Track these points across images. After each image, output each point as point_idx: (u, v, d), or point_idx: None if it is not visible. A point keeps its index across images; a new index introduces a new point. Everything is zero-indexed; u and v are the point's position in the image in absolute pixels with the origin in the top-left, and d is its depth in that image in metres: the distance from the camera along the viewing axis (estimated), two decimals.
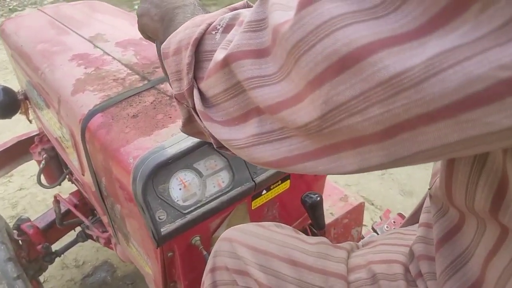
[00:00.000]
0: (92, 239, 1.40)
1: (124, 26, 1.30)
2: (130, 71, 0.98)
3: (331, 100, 0.23)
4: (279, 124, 0.28)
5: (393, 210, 1.19)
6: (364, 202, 1.20)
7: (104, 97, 0.88)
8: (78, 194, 1.44)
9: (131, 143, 0.74)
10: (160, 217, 0.68)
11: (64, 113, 0.94)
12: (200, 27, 0.34)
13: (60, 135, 1.07)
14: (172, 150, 0.69)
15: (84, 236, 1.40)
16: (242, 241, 0.59)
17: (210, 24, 0.34)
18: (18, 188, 2.13)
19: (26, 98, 1.38)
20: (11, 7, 5.94)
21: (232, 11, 0.36)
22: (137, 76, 0.95)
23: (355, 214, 1.17)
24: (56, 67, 1.04)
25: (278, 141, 0.28)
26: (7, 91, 1.34)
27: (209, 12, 0.47)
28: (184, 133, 0.43)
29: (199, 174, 0.73)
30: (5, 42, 1.39)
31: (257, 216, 0.86)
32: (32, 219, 1.39)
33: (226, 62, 0.29)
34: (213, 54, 0.32)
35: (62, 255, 1.42)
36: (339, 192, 1.20)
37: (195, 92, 0.34)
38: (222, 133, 0.33)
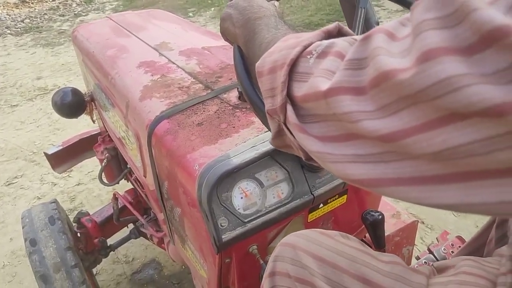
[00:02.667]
0: (145, 237, 1.46)
1: (186, 35, 1.36)
2: (194, 80, 1.02)
3: (449, 142, 0.24)
4: (382, 149, 0.29)
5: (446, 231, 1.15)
6: (417, 221, 1.17)
7: (170, 104, 0.92)
8: (132, 192, 1.50)
9: (196, 150, 0.77)
10: (222, 224, 0.70)
11: (132, 118, 1.00)
12: (295, 49, 0.36)
13: (124, 136, 1.13)
14: (236, 160, 0.71)
15: (136, 233, 1.46)
16: (307, 249, 0.59)
17: (305, 47, 0.36)
18: (76, 183, 2.28)
19: (92, 99, 1.47)
20: (76, 12, 6.40)
21: (326, 33, 0.39)
22: (200, 85, 0.99)
23: (407, 232, 1.14)
24: (125, 74, 1.10)
25: (375, 163, 0.30)
26: (75, 92, 1.44)
27: (289, 25, 0.49)
28: (273, 145, 0.45)
29: (260, 184, 0.75)
30: (77, 47, 1.49)
31: (312, 228, 0.86)
32: (90, 213, 1.48)
33: (326, 94, 0.31)
34: (307, 76, 0.35)
35: (115, 250, 1.49)
36: (391, 209, 1.18)
37: (289, 107, 0.36)
38: (315, 145, 0.34)
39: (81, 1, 6.84)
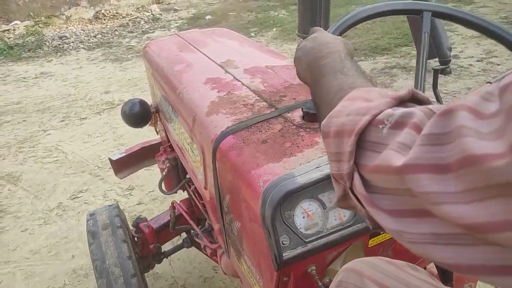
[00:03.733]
0: (197, 247, 1.50)
1: (251, 54, 1.40)
2: (258, 98, 1.05)
3: None
4: (464, 231, 0.27)
5: None
6: None
7: (235, 121, 0.95)
8: (187, 202, 1.56)
9: (261, 167, 0.79)
10: (283, 242, 0.71)
11: (198, 131, 1.04)
12: (365, 117, 0.35)
13: (188, 148, 1.19)
14: (301, 180, 0.72)
15: (189, 243, 1.51)
16: (373, 277, 0.58)
17: (375, 116, 0.35)
18: (138, 202, 2.37)
19: (157, 111, 1.56)
20: (143, 29, 6.80)
21: (397, 100, 0.37)
22: (264, 103, 1.01)
23: None
24: (193, 89, 1.16)
25: (460, 245, 0.27)
26: (142, 104, 1.53)
27: (356, 66, 0.49)
28: (338, 206, 0.44)
29: (323, 205, 0.75)
30: (147, 62, 1.59)
31: (372, 254, 0.84)
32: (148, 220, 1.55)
33: (401, 171, 0.30)
34: (379, 146, 0.33)
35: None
36: None
37: (356, 176, 0.35)
38: (389, 222, 0.32)
39: (148, 19, 7.21)
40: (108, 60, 5.25)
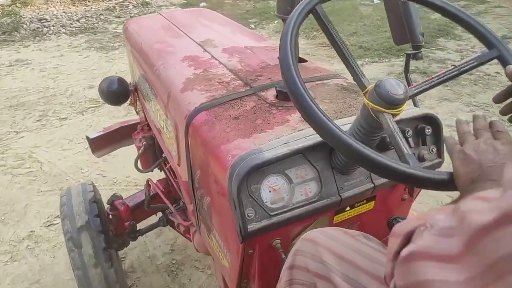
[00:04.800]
0: (172, 225, 1.51)
1: (231, 34, 1.40)
2: (234, 76, 1.05)
3: None
4: None
5: None
6: None
7: (210, 97, 0.96)
8: (165, 182, 1.56)
9: (231, 142, 0.80)
10: (248, 214, 0.73)
11: (172, 107, 1.04)
12: (418, 222, 0.36)
13: (163, 125, 1.18)
14: (268, 154, 0.73)
15: (165, 221, 1.51)
16: (328, 246, 0.60)
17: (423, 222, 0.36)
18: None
19: (136, 89, 1.55)
20: (132, 14, 6.43)
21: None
22: (240, 82, 1.02)
23: None
24: (170, 66, 1.16)
25: None
26: (121, 81, 1.52)
27: None
28: None
29: (289, 180, 0.76)
30: (126, 39, 1.57)
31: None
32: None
33: (410, 258, 0.31)
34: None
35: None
36: None
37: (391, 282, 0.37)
38: None
39: (137, 3, 6.78)
40: (93, 48, 4.77)
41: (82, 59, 4.44)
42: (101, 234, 1.33)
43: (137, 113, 1.71)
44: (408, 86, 0.65)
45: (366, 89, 0.66)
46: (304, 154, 0.76)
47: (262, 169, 0.73)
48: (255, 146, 0.76)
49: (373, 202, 0.86)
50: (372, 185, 0.80)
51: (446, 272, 0.27)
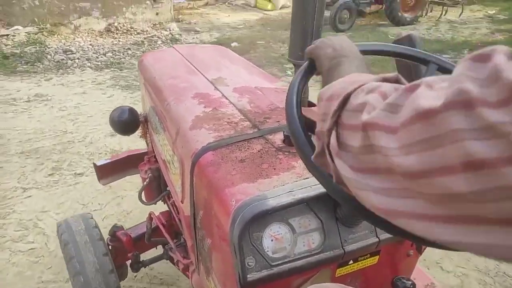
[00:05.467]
0: (171, 261, 1.48)
1: (243, 74, 1.42)
2: (243, 117, 1.06)
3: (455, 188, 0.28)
4: (401, 186, 0.33)
5: None
6: None
7: (217, 137, 0.96)
8: (167, 215, 1.54)
9: (235, 186, 0.79)
10: (249, 263, 0.71)
11: (180, 144, 1.04)
12: (353, 86, 0.42)
13: (170, 160, 1.19)
14: (273, 202, 0.72)
15: (168, 255, 1.49)
16: None
17: (361, 85, 0.42)
18: None
19: (146, 121, 1.56)
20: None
21: (384, 80, 0.43)
22: (248, 123, 1.02)
23: None
24: (181, 102, 1.17)
25: (394, 197, 0.34)
26: (132, 111, 1.54)
27: (371, 71, 0.55)
28: (314, 163, 0.49)
29: (292, 230, 0.75)
30: (140, 72, 1.61)
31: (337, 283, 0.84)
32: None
33: (364, 127, 0.36)
34: (357, 107, 0.39)
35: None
36: (425, 278, 1.12)
37: (333, 134, 0.42)
38: (347, 173, 0.40)
39: (166, 39, 6.41)
40: (118, 87, 4.39)
41: (106, 98, 4.06)
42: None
43: (148, 144, 1.72)
44: None
45: None
46: (308, 203, 0.75)
47: (265, 216, 0.72)
48: (259, 192, 0.75)
49: (377, 256, 0.83)
50: (377, 239, 0.78)
51: (388, 140, 0.33)
